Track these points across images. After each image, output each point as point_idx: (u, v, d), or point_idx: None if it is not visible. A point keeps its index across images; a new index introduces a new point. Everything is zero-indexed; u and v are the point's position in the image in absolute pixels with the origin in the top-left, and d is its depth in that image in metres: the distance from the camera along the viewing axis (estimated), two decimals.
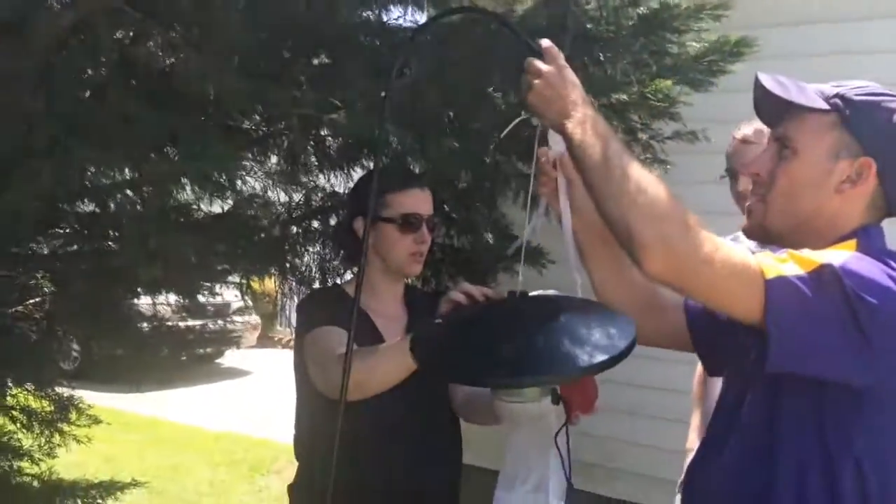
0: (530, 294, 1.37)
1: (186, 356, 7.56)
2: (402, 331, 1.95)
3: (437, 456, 1.94)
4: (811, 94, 1.25)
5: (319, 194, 2.73)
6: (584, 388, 1.55)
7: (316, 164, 2.67)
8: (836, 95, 1.24)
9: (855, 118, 1.22)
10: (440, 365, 1.33)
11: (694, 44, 2.68)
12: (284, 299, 9.15)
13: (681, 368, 2.46)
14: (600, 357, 1.17)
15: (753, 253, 1.19)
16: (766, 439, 1.21)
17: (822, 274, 1.10)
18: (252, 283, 4.26)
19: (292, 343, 8.26)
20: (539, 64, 1.24)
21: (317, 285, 2.88)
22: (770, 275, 1.10)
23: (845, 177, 1.22)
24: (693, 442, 2.50)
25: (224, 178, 1.96)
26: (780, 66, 3.00)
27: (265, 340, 10.50)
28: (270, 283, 6.91)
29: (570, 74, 1.25)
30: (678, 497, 2.48)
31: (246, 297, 6.29)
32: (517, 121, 1.47)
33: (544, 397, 1.30)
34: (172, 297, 3.42)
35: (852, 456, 1.15)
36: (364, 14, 2.48)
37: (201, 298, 3.86)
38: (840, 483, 1.15)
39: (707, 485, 1.31)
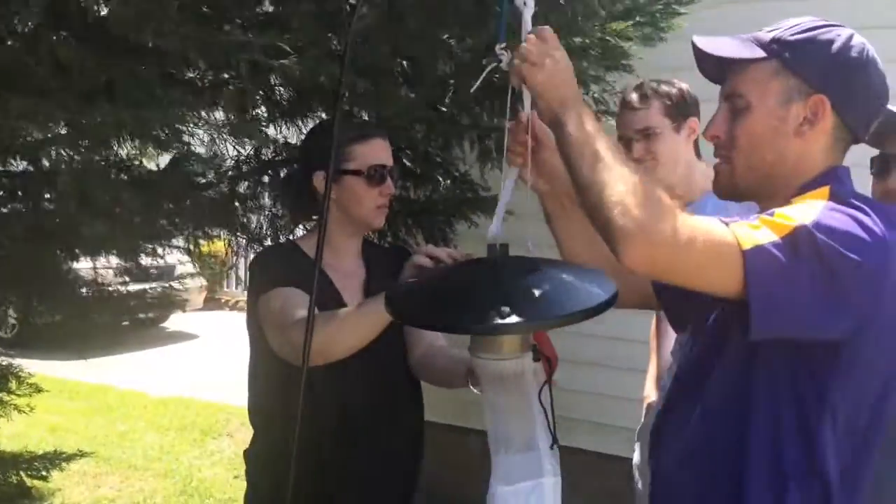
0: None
1: (130, 321, 7.40)
2: (360, 287, 1.90)
3: (399, 420, 1.90)
4: (748, 45, 1.24)
5: (271, 147, 2.61)
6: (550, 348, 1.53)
7: (265, 115, 2.56)
8: (773, 41, 1.23)
9: (795, 59, 1.21)
10: (419, 315, 1.27)
11: None
12: (234, 259, 8.98)
13: (638, 319, 2.46)
14: (587, 304, 1.13)
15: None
16: (741, 394, 1.20)
17: (797, 237, 1.08)
18: (198, 244, 4.13)
19: (242, 305, 8.19)
20: (547, 45, 1.23)
21: (269, 243, 2.78)
22: (746, 245, 1.08)
23: (801, 119, 1.21)
24: (650, 391, 2.52)
25: (167, 130, 1.83)
26: (737, 9, 2.99)
27: (212, 303, 10.32)
28: (217, 244, 6.77)
29: (569, 61, 1.25)
30: (637, 444, 2.50)
31: (192, 259, 6.15)
32: (490, 67, 1.39)
33: (525, 353, 1.25)
34: (114, 261, 3.29)
35: (828, 407, 1.15)
36: None
37: (146, 260, 3.74)
38: (817, 435, 1.15)
39: (678, 440, 1.30)
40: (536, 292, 1.16)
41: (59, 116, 1.70)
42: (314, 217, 2.05)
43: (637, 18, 2.77)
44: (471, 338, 1.28)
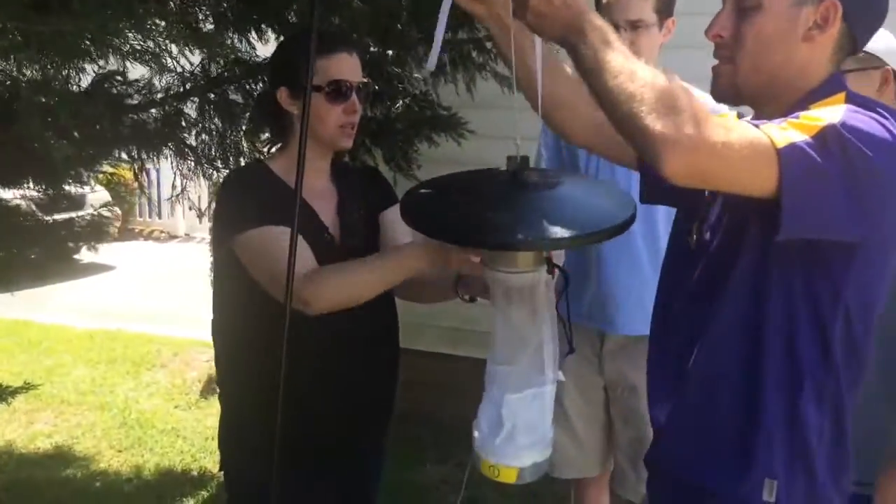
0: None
1: (40, 254, 7.07)
2: (335, 208, 1.83)
3: (379, 349, 1.88)
4: None
5: (221, 61, 2.48)
6: None
7: (212, 27, 2.42)
8: None
9: None
10: (440, 229, 1.24)
11: None
12: (148, 187, 8.66)
13: None
14: (606, 224, 1.15)
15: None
16: (754, 293, 1.23)
17: (826, 135, 1.08)
18: (111, 171, 3.96)
19: (157, 234, 7.95)
20: None
21: (219, 164, 2.68)
22: (780, 144, 1.08)
23: (811, 23, 1.21)
24: None
25: (138, 42, 1.70)
26: None
27: (126, 233, 9.97)
28: (127, 172, 6.50)
29: None
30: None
31: (103, 186, 5.88)
32: None
33: (539, 267, 1.25)
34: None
35: (841, 304, 1.19)
36: None
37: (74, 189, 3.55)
38: (829, 329, 1.19)
39: (687, 330, 1.32)
40: (553, 209, 1.16)
41: (10, 26, 1.56)
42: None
43: None
44: (486, 251, 1.28)
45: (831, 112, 1.12)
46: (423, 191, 1.34)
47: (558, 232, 1.12)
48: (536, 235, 1.13)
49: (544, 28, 1.18)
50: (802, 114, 1.14)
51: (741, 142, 1.08)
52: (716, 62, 1.30)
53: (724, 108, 1.50)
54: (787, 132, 1.10)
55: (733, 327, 1.25)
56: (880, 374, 1.40)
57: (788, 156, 1.07)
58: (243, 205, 1.70)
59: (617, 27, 2.11)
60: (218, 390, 1.94)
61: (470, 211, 1.20)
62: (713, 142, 1.06)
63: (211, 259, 1.85)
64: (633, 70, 1.10)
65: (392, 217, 1.83)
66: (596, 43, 1.13)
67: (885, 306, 1.26)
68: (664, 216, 2.20)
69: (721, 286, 1.27)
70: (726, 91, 1.29)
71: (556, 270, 1.30)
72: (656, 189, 1.47)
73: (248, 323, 1.76)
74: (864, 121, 1.11)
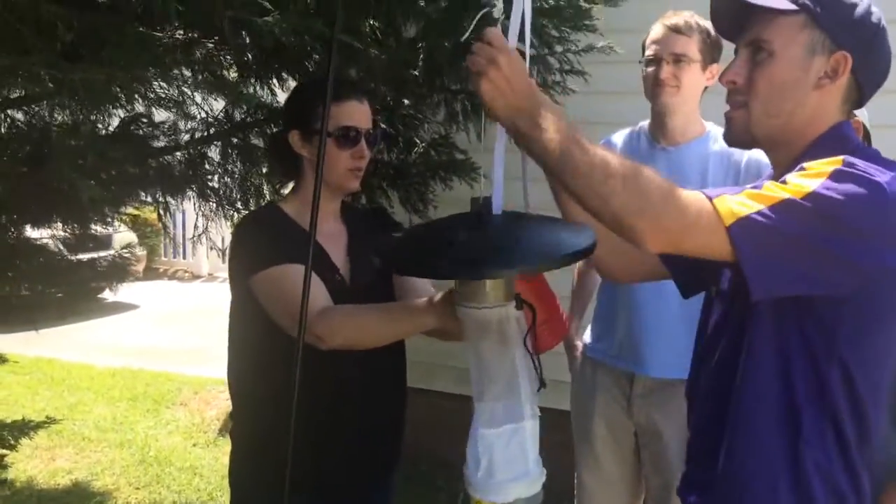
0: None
1: (67, 292, 7.18)
2: (344, 248, 1.89)
3: (389, 392, 1.91)
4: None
5: (244, 107, 2.57)
6: (551, 309, 1.56)
7: (236, 76, 2.51)
8: None
9: (823, 15, 1.25)
10: (405, 263, 1.30)
11: None
12: (173, 228, 8.80)
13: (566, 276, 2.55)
14: (565, 251, 1.17)
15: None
16: (749, 347, 1.27)
17: (787, 205, 1.13)
18: (136, 212, 4.04)
19: (180, 273, 8.06)
20: (492, 49, 1.15)
21: (239, 206, 2.76)
22: (728, 221, 1.13)
23: (822, 73, 1.26)
24: (577, 341, 2.60)
25: (163, 88, 1.79)
26: None
27: (150, 272, 10.11)
28: (152, 213, 6.61)
29: (522, 63, 1.18)
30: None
31: (128, 227, 5.97)
32: (482, 13, 1.37)
33: (508, 302, 1.27)
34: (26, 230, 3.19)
35: (836, 358, 1.21)
36: None
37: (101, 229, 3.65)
38: (828, 386, 1.22)
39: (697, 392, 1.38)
40: (515, 241, 1.20)
41: (44, 74, 1.65)
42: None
43: None
44: (456, 287, 1.31)
45: (807, 181, 1.15)
46: (396, 235, 1.40)
47: (516, 260, 1.16)
48: (496, 264, 1.16)
49: (496, 105, 1.17)
50: (766, 183, 1.18)
51: (702, 221, 1.13)
52: (730, 108, 1.34)
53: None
54: (740, 204, 1.14)
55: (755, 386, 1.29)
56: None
57: (737, 228, 1.12)
58: (259, 245, 1.76)
59: (660, 60, 2.20)
60: None
61: (433, 247, 1.25)
62: (680, 226, 1.13)
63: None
64: (595, 161, 1.13)
65: None
66: (544, 131, 1.14)
67: None
68: None
69: (742, 348, 1.30)
70: (740, 136, 1.33)
71: (525, 306, 1.31)
72: (688, 287, 1.56)
73: (261, 360, 1.80)
74: (839, 189, 1.13)
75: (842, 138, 1.27)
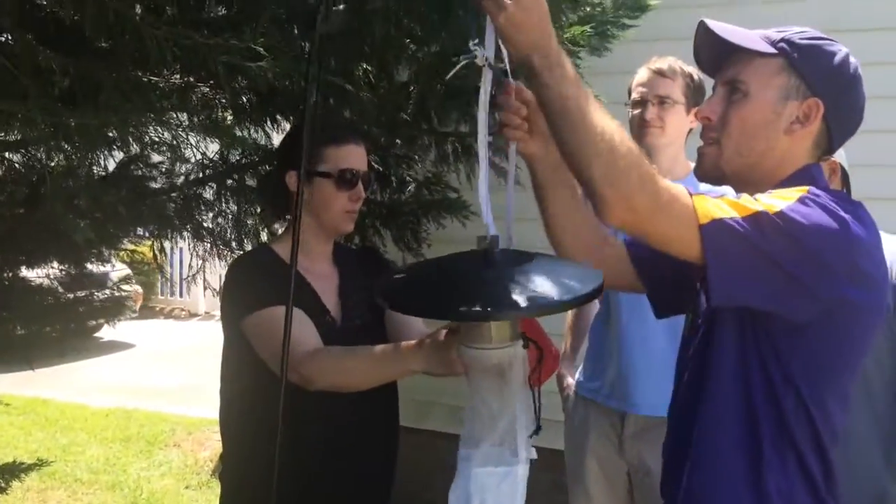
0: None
1: (61, 332, 7.16)
2: (336, 290, 1.90)
3: (380, 432, 1.91)
4: (758, 39, 1.31)
5: (239, 149, 2.61)
6: (549, 347, 1.55)
7: (231, 118, 2.55)
8: (783, 40, 1.29)
9: (801, 61, 1.28)
10: (409, 304, 1.28)
11: None
12: (169, 266, 8.79)
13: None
14: (571, 294, 1.15)
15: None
16: (711, 368, 1.29)
17: (758, 219, 1.15)
18: (133, 250, 4.07)
19: (177, 312, 8.05)
20: None
21: (234, 245, 2.78)
22: (704, 220, 1.15)
23: (794, 118, 1.29)
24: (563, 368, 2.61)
25: (158, 132, 1.82)
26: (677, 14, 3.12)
27: (146, 311, 10.09)
28: (148, 250, 6.60)
29: (544, 3, 1.16)
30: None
31: (125, 264, 5.99)
32: (463, 61, 1.38)
33: (514, 343, 1.26)
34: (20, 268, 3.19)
35: (792, 385, 1.24)
36: None
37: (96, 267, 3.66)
38: (783, 406, 1.24)
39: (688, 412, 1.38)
40: (523, 282, 1.18)
41: (40, 119, 1.68)
42: (287, 217, 2.04)
43: (590, 26, 2.87)
44: (461, 327, 1.30)
45: (775, 201, 1.18)
46: (397, 275, 1.40)
47: (523, 303, 1.14)
48: (502, 306, 1.15)
49: (515, 38, 1.15)
50: (743, 195, 1.21)
51: (675, 211, 1.15)
52: (703, 143, 1.36)
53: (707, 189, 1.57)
54: (717, 207, 1.16)
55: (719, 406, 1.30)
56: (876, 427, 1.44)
57: (710, 228, 1.14)
58: (250, 287, 1.77)
59: (646, 102, 2.26)
60: None
61: (440, 288, 1.24)
62: (649, 209, 1.14)
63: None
64: (593, 119, 1.14)
65: None
66: (557, 76, 1.15)
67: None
68: None
69: (705, 361, 1.32)
70: (710, 171, 1.36)
71: (532, 345, 1.31)
72: (661, 305, 1.56)
73: (251, 401, 1.80)
74: (805, 213, 1.16)
75: (809, 179, 1.29)
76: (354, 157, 1.86)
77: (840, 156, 1.83)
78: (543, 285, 1.19)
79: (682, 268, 1.28)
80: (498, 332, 1.24)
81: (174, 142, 2.44)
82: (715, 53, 1.34)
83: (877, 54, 2.67)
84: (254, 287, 1.77)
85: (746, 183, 1.32)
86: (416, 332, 1.89)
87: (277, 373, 1.62)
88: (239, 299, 1.78)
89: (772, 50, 1.29)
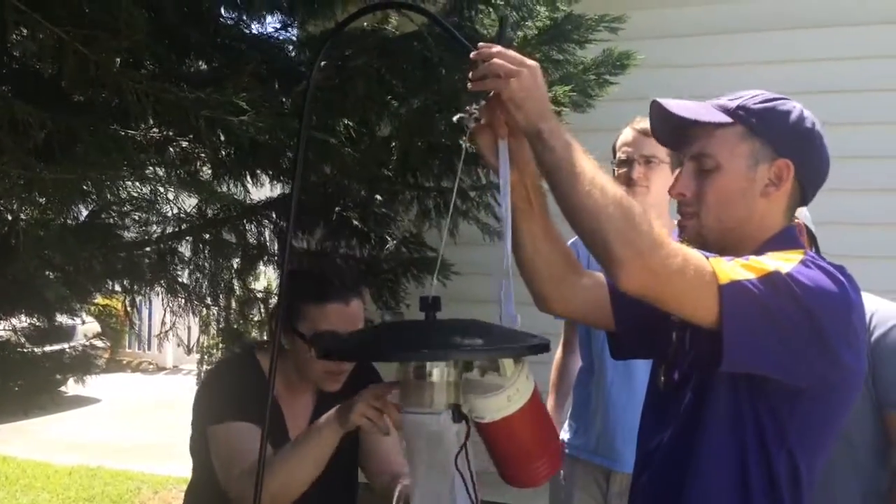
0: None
1: (24, 387, 6.97)
2: (308, 416, 1.82)
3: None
4: (714, 110, 1.32)
5: (217, 204, 2.57)
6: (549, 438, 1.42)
7: (210, 172, 2.52)
8: (738, 108, 1.31)
9: (760, 125, 1.30)
10: (345, 350, 1.28)
11: (584, 55, 2.77)
12: (137, 319, 8.64)
13: (546, 367, 2.55)
14: (507, 344, 1.15)
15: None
16: (705, 429, 1.27)
17: (773, 279, 1.15)
18: (105, 304, 3.99)
19: (144, 366, 7.91)
20: (518, 56, 1.19)
21: (209, 301, 2.72)
22: (723, 280, 1.14)
23: (767, 180, 1.30)
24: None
25: (130, 186, 1.78)
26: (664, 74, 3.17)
27: (113, 364, 9.87)
28: (118, 303, 6.47)
29: (542, 76, 1.22)
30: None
31: (94, 318, 5.86)
32: (469, 121, 1.36)
33: (446, 411, 1.20)
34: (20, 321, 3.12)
35: (785, 448, 1.23)
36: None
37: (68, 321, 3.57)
38: (775, 469, 1.23)
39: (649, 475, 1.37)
40: (461, 336, 1.15)
41: (16, 173, 1.64)
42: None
43: (572, 85, 2.90)
44: (400, 391, 1.26)
45: (781, 263, 1.19)
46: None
47: (457, 349, 1.13)
48: (435, 350, 1.13)
49: (523, 107, 1.18)
50: (752, 257, 1.21)
51: (691, 272, 1.14)
52: (681, 217, 1.37)
53: None
54: (734, 269, 1.16)
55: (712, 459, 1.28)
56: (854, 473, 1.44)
57: (729, 290, 1.13)
58: (223, 396, 1.73)
59: (632, 161, 2.26)
60: None
61: (378, 339, 1.25)
62: (666, 270, 1.13)
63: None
64: (602, 184, 1.15)
65: None
66: (563, 141, 1.17)
67: None
68: None
69: (695, 422, 1.30)
70: (692, 242, 1.35)
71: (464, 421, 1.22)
72: (623, 347, 1.53)
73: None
74: (811, 276, 1.18)
75: (791, 240, 1.31)
76: (337, 317, 1.71)
77: (803, 215, 1.85)
78: (478, 340, 1.15)
79: (663, 317, 1.28)
80: (435, 396, 1.19)
81: (152, 196, 2.41)
82: (671, 128, 1.35)
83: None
84: (225, 397, 1.72)
85: (730, 247, 1.32)
86: (392, 456, 1.81)
87: (223, 485, 1.63)
88: (209, 406, 1.76)
89: (728, 119, 1.30)
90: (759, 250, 1.28)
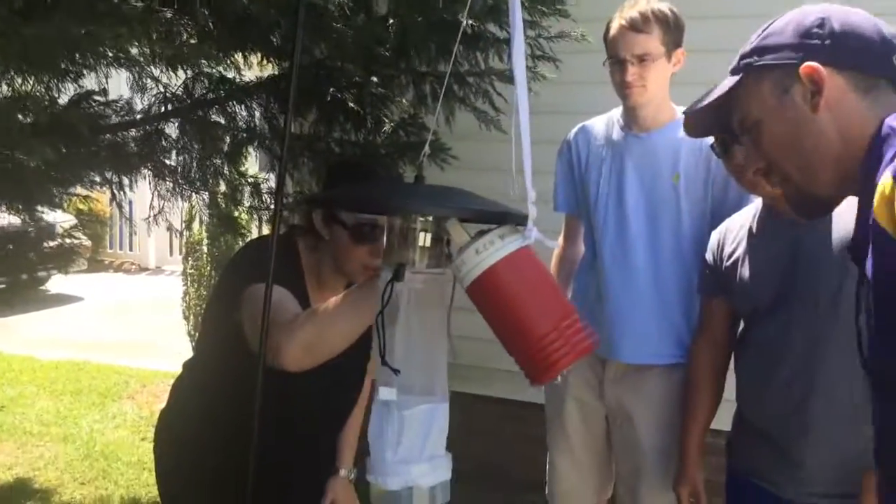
0: None
1: (6, 283, 6.91)
2: None
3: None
4: (724, 81, 1.24)
5: (204, 82, 2.44)
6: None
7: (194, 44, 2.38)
8: (739, 59, 1.22)
9: (763, 57, 1.19)
10: (350, 200, 1.28)
11: None
12: (120, 216, 8.51)
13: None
14: (494, 209, 1.11)
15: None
16: None
17: None
18: (87, 196, 3.89)
19: (126, 266, 7.85)
20: None
21: (198, 185, 2.63)
22: None
23: (806, 96, 1.15)
24: None
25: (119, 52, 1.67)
26: None
27: (95, 264, 9.81)
28: (99, 204, 6.35)
29: None
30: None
31: (74, 216, 5.77)
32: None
33: (444, 268, 1.17)
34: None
35: None
36: None
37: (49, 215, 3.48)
38: None
39: None
40: (456, 197, 1.13)
41: None
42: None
43: None
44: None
45: None
46: None
47: (454, 207, 1.10)
48: (433, 205, 1.10)
49: None
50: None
51: None
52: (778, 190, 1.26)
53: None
54: None
55: None
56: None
57: None
58: (263, 262, 1.63)
59: (624, 61, 2.16)
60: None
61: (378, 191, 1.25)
62: None
63: (206, 301, 1.83)
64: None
65: None
66: None
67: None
68: (671, 253, 2.25)
69: None
70: (800, 207, 1.24)
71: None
72: None
73: (223, 370, 1.71)
74: None
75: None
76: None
77: None
78: (474, 202, 1.13)
79: None
80: (429, 252, 1.15)
81: (137, 67, 2.28)
82: (710, 124, 1.33)
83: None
84: (264, 264, 1.61)
85: (839, 185, 1.18)
86: None
87: (253, 345, 1.50)
88: (240, 273, 1.66)
89: (736, 76, 1.21)
90: (870, 158, 1.11)
